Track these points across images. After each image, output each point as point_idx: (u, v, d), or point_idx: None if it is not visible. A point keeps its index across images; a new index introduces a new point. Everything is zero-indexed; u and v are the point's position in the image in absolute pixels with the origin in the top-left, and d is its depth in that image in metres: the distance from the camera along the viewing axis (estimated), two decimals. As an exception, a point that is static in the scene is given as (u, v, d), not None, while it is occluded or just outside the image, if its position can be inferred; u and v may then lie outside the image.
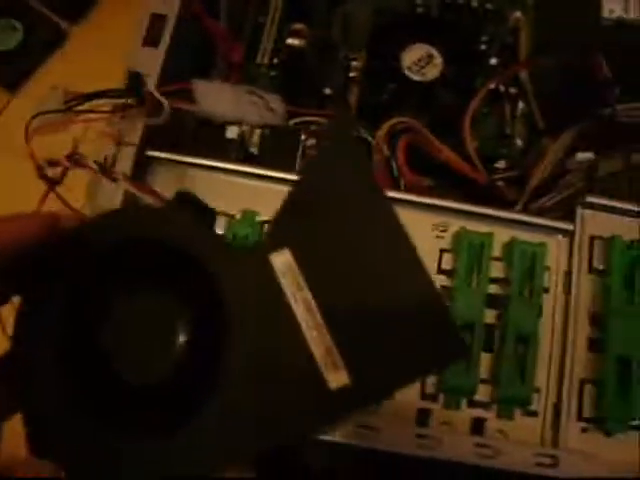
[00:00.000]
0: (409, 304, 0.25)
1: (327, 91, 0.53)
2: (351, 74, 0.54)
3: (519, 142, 0.54)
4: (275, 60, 0.53)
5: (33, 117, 0.40)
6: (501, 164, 0.52)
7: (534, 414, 0.40)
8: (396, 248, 0.25)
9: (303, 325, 0.25)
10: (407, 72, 0.51)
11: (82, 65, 0.54)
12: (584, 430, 0.40)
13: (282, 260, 0.26)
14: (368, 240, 0.26)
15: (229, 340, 0.25)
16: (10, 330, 0.26)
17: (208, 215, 0.28)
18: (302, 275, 0.25)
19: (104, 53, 0.54)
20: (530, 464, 0.37)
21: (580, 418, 0.40)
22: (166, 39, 0.42)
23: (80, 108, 0.41)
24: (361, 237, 0.26)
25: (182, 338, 0.27)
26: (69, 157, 0.36)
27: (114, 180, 0.36)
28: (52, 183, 0.38)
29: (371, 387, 0.25)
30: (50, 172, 0.38)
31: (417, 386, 0.40)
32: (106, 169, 0.38)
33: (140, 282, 0.27)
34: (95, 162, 0.36)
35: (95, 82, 0.43)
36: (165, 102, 0.39)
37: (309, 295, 0.25)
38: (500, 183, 0.51)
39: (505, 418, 0.40)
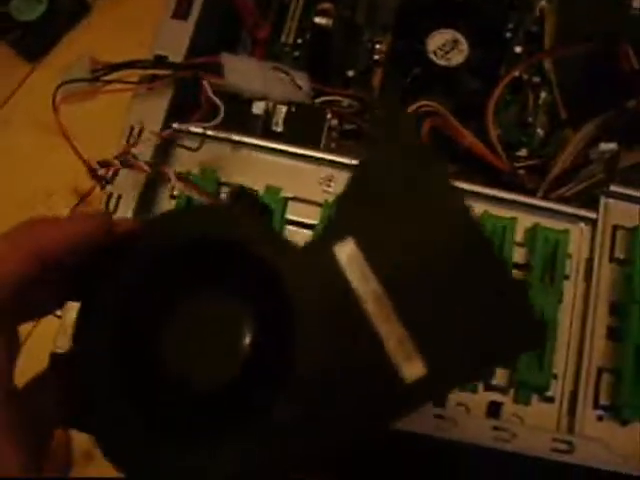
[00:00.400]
0: (483, 290, 0.24)
1: (350, 73, 0.53)
2: (375, 57, 0.53)
3: (540, 131, 0.54)
4: (299, 40, 0.53)
5: (59, 86, 0.40)
6: (523, 152, 0.52)
7: (551, 400, 0.40)
8: (465, 234, 0.24)
9: (372, 317, 0.24)
10: (432, 56, 0.51)
11: (106, 37, 0.54)
12: (600, 418, 0.40)
13: (346, 251, 0.24)
14: (435, 227, 0.25)
15: (295, 339, 0.24)
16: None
17: (264, 211, 0.28)
18: (368, 265, 0.24)
19: (128, 25, 0.54)
20: (546, 449, 0.37)
21: (596, 406, 0.40)
22: (195, 12, 0.42)
23: (107, 78, 0.41)
24: (428, 224, 0.25)
25: (247, 340, 0.25)
26: (119, 157, 0.36)
27: (167, 180, 0.36)
28: (104, 182, 0.38)
29: (447, 376, 0.24)
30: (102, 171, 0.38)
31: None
32: (156, 169, 0.37)
33: (201, 283, 0.26)
34: (146, 163, 0.35)
35: (120, 54, 0.43)
36: (221, 105, 0.38)
37: (377, 286, 0.24)
38: (521, 171, 0.51)
39: (522, 403, 0.40)
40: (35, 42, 0.56)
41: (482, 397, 0.40)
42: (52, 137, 0.43)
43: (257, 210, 0.29)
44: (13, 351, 0.24)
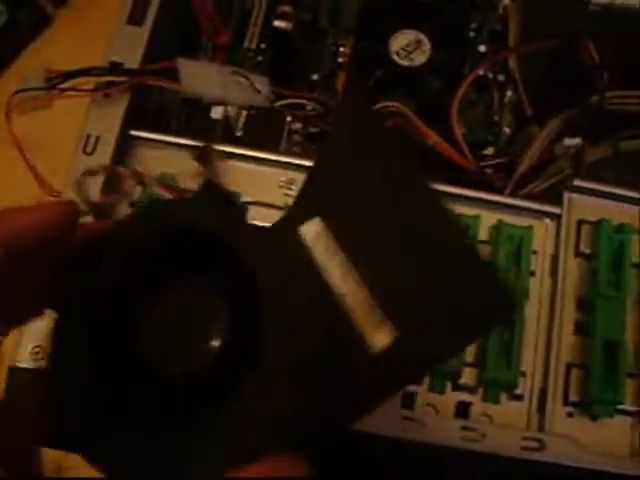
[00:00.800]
0: (450, 261, 0.24)
1: (315, 77, 0.53)
2: (339, 60, 0.53)
3: (507, 130, 0.53)
4: (262, 45, 0.53)
5: (14, 94, 0.39)
6: (489, 151, 0.52)
7: (520, 398, 0.40)
8: (426, 207, 0.24)
9: (337, 291, 0.24)
10: (395, 57, 0.50)
11: (67, 46, 0.54)
12: (570, 414, 0.39)
13: (312, 229, 0.25)
14: (398, 202, 0.25)
15: (264, 318, 0.24)
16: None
17: (234, 199, 0.28)
18: (335, 242, 0.24)
19: (90, 36, 0.54)
20: (516, 448, 0.37)
21: (566, 402, 0.39)
22: (151, 18, 0.41)
23: (63, 86, 0.40)
24: (391, 199, 0.25)
25: (220, 325, 0.26)
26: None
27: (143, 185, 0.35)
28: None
29: (417, 345, 0.23)
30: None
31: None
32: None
33: (174, 275, 0.26)
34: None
35: (80, 63, 0.43)
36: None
37: (344, 261, 0.24)
38: (488, 170, 0.51)
39: (490, 402, 0.39)
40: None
41: (450, 397, 0.39)
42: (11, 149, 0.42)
43: (225, 201, 0.29)
44: None
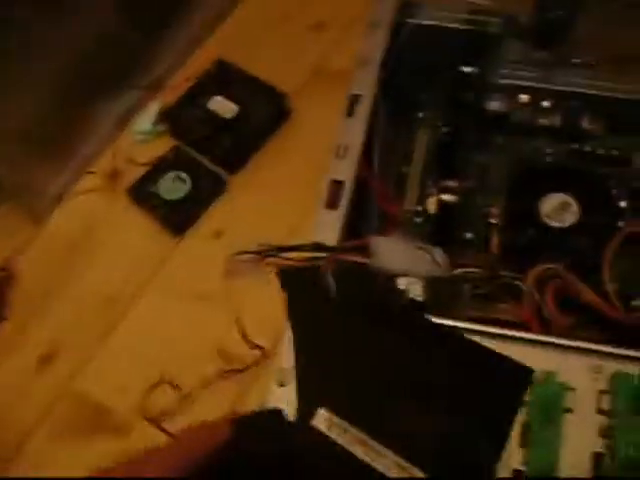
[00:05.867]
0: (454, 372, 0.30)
1: (468, 236, 0.58)
2: (491, 220, 0.58)
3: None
4: (419, 207, 0.59)
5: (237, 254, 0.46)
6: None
7: None
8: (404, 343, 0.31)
9: (363, 457, 0.28)
10: (545, 219, 0.55)
11: (242, 210, 0.60)
12: None
13: (321, 418, 0.30)
14: (382, 353, 0.30)
15: None
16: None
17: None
18: (342, 420, 0.29)
19: (262, 199, 0.60)
20: None
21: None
22: (345, 202, 0.48)
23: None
24: (376, 357, 0.30)
25: None
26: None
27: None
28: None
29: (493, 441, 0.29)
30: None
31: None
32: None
33: None
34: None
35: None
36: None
37: (356, 432, 0.29)
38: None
39: None
40: (179, 218, 0.62)
41: None
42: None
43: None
44: None
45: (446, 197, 0.52)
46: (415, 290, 0.48)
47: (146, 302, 0.57)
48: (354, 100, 0.54)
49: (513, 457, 0.40)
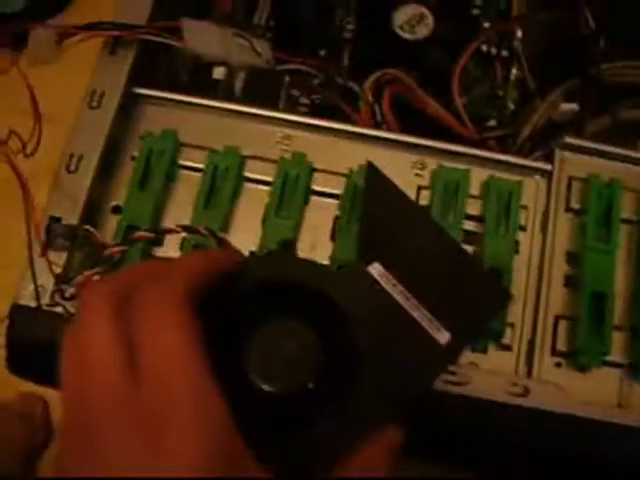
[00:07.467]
0: (463, 277, 0.36)
1: (322, 53, 0.54)
2: (345, 35, 0.55)
3: (511, 105, 0.54)
4: (271, 23, 0.55)
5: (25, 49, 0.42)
6: (491, 123, 0.53)
7: (508, 348, 0.40)
8: (437, 238, 0.37)
9: (407, 308, 0.33)
10: (398, 31, 0.52)
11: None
12: (558, 365, 0.40)
13: (377, 270, 0.34)
14: (419, 238, 0.37)
15: (358, 338, 0.32)
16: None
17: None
18: (393, 275, 0.34)
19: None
20: (502, 393, 0.37)
21: (554, 353, 0.40)
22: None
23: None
24: (414, 237, 0.37)
25: (318, 353, 0.32)
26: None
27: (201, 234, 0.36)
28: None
29: (460, 339, 0.34)
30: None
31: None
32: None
33: (277, 313, 0.32)
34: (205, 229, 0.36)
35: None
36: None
37: (403, 288, 0.34)
38: (490, 142, 0.52)
39: (478, 351, 0.40)
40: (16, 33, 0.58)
41: (439, 346, 0.40)
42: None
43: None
44: None
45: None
46: (235, 82, 0.45)
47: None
48: None
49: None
